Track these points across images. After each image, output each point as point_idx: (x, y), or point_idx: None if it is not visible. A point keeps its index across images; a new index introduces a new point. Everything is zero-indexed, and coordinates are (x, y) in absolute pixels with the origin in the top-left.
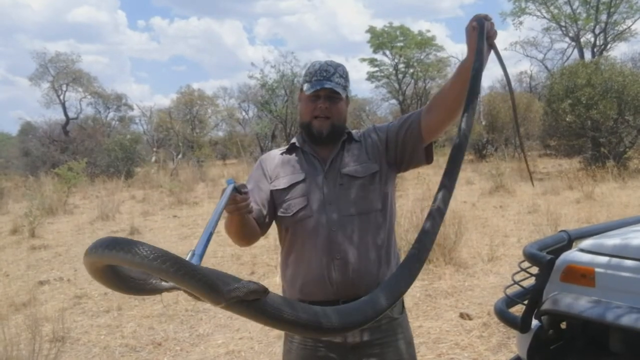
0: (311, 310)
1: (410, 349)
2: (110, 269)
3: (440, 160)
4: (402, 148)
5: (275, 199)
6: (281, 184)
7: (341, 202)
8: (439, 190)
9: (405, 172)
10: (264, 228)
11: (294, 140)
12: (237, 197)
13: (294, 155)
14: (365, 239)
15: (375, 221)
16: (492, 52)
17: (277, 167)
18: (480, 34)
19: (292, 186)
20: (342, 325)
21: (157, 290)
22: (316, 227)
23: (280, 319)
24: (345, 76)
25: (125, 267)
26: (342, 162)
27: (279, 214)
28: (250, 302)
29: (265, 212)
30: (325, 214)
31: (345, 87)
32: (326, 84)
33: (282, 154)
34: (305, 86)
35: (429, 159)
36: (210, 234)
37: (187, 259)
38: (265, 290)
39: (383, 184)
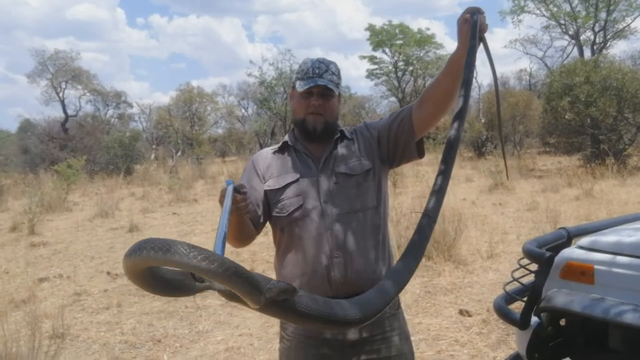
0: (334, 304)
1: (408, 344)
2: (149, 271)
3: (440, 157)
4: (395, 144)
5: (270, 199)
6: (275, 183)
7: (337, 200)
8: (435, 183)
9: (398, 167)
10: (259, 228)
11: (285, 138)
12: (237, 197)
13: (286, 154)
14: (362, 237)
15: (370, 218)
16: (482, 46)
17: (270, 166)
18: (473, 27)
19: (286, 186)
20: (363, 315)
21: (193, 291)
22: (313, 226)
23: (309, 316)
24: (337, 73)
25: (162, 269)
26: (335, 160)
27: (274, 214)
28: (281, 301)
29: (260, 212)
30: (321, 213)
31: (338, 84)
32: (319, 81)
33: (274, 152)
34: (298, 83)
35: (420, 154)
36: (225, 235)
37: None
38: (294, 290)
39: (377, 181)
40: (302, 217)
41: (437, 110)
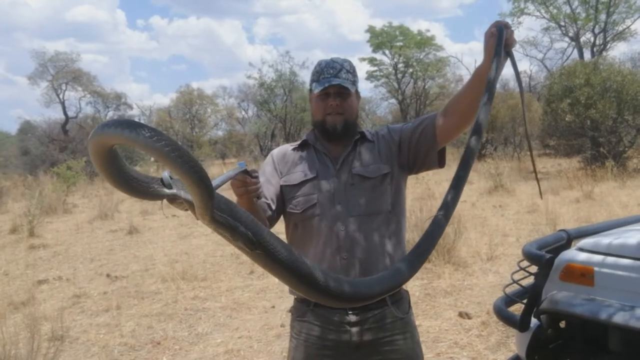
0: (314, 267)
1: (417, 348)
2: (114, 160)
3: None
4: (416, 150)
5: (285, 194)
6: (292, 180)
7: (351, 202)
8: (450, 187)
9: (417, 174)
10: (271, 222)
11: (305, 137)
12: (248, 179)
13: (305, 152)
14: (372, 240)
15: (384, 222)
16: (509, 61)
17: (288, 162)
18: (499, 41)
19: (302, 183)
20: (349, 293)
21: (158, 196)
22: (324, 225)
23: (275, 260)
24: (352, 71)
25: (130, 168)
26: (353, 161)
27: (288, 209)
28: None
29: (274, 207)
30: (334, 213)
31: (354, 82)
32: (334, 81)
33: (294, 149)
34: (314, 85)
35: (441, 163)
36: (224, 180)
37: None
38: (252, 244)
39: (394, 186)
40: (314, 216)
41: (461, 122)
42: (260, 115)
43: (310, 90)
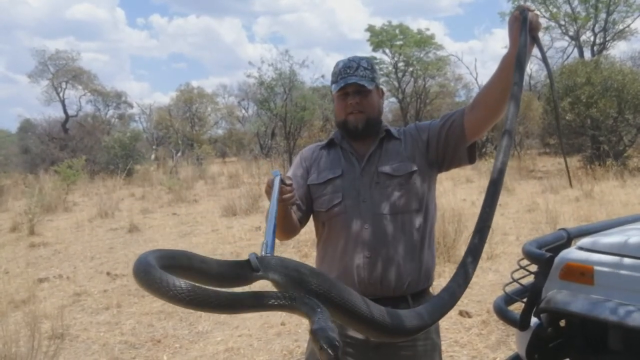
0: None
1: (436, 356)
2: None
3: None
4: (444, 147)
5: (313, 193)
6: (318, 178)
7: (375, 200)
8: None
9: (447, 171)
10: (302, 222)
11: (332, 136)
12: (283, 188)
13: (332, 150)
14: (396, 240)
15: (409, 222)
16: (535, 46)
17: (315, 161)
18: (523, 25)
19: (328, 181)
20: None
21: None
22: (348, 224)
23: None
24: (370, 67)
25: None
26: (379, 159)
27: (315, 208)
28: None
29: (304, 207)
30: (358, 212)
31: (373, 78)
32: (349, 80)
33: (321, 148)
34: (333, 87)
35: (471, 159)
36: (275, 225)
37: (261, 249)
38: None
39: (420, 184)
40: (340, 214)
41: (490, 114)
42: (260, 113)
43: (332, 91)
